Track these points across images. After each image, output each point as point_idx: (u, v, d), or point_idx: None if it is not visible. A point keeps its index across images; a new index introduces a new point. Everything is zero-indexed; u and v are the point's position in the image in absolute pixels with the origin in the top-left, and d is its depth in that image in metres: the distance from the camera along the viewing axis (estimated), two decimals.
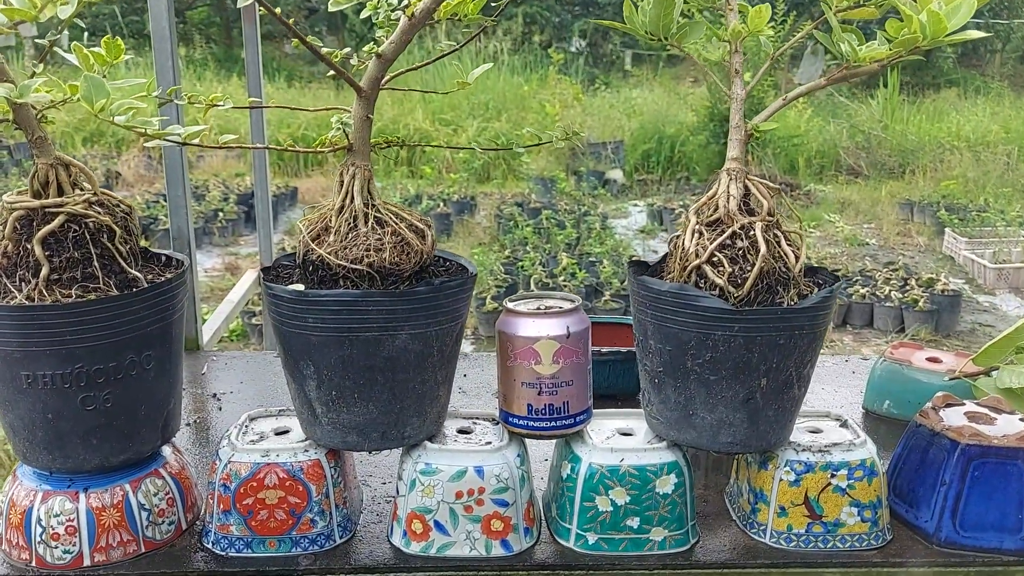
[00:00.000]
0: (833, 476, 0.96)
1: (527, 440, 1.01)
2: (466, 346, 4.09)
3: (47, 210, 0.89)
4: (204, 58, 10.32)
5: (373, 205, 0.94)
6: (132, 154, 7.46)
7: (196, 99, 0.88)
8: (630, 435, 1.02)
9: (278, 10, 0.75)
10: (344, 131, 0.92)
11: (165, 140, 0.82)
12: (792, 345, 0.90)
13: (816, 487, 0.96)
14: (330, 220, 0.94)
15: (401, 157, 7.69)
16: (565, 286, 4.54)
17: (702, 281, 0.91)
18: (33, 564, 0.93)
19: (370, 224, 0.93)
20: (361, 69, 0.94)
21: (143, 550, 0.95)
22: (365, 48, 0.89)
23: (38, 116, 0.90)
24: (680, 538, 0.98)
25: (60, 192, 0.90)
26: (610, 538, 0.97)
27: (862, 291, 4.59)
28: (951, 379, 1.21)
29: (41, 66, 0.86)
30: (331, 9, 0.82)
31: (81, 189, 0.92)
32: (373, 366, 0.91)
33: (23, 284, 0.88)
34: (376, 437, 0.95)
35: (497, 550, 0.96)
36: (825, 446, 0.97)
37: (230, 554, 0.95)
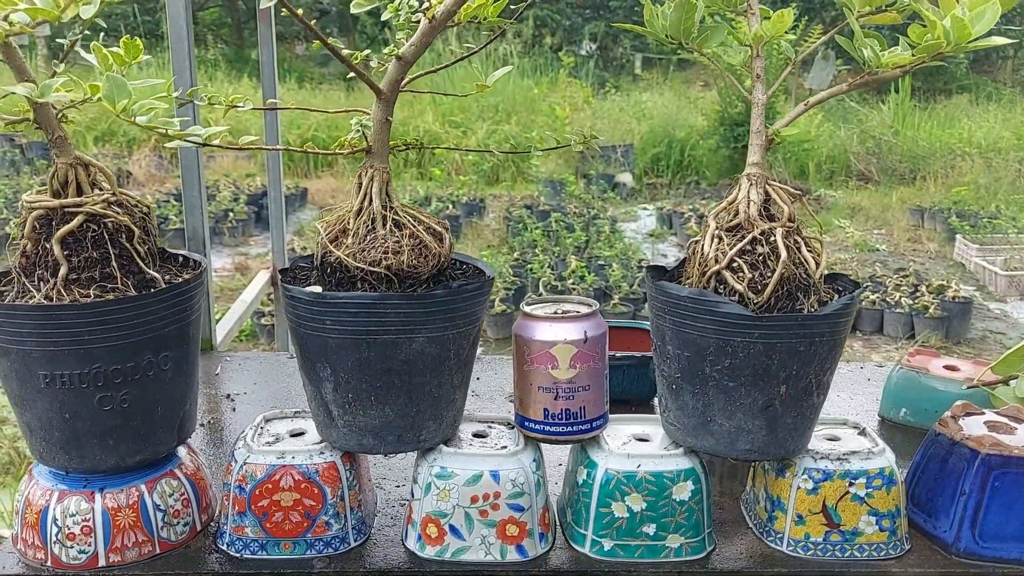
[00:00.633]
0: (852, 485, 0.95)
1: (542, 445, 1.00)
2: None
3: (66, 210, 0.89)
4: (215, 59, 10.36)
5: (391, 207, 0.94)
6: (143, 153, 7.49)
7: (216, 100, 0.88)
8: (646, 441, 1.01)
9: (300, 11, 0.75)
10: (363, 133, 0.92)
11: (186, 141, 0.82)
12: (812, 352, 0.89)
13: (834, 495, 0.95)
14: (348, 222, 0.94)
15: (411, 159, 7.69)
16: (574, 289, 4.53)
17: (721, 287, 0.90)
18: (48, 564, 0.93)
19: (388, 227, 0.93)
20: (380, 71, 0.94)
21: (158, 551, 0.95)
22: (385, 50, 0.89)
23: (58, 116, 0.90)
24: (696, 545, 0.97)
25: (79, 192, 0.90)
26: (626, 544, 0.96)
27: (872, 297, 4.57)
28: (969, 388, 1.21)
29: (62, 66, 0.86)
30: (353, 11, 0.82)
31: (100, 189, 0.92)
32: (390, 369, 0.91)
33: (42, 283, 0.88)
34: (392, 440, 0.95)
35: (512, 555, 0.96)
36: (843, 454, 0.97)
37: (245, 556, 0.95)
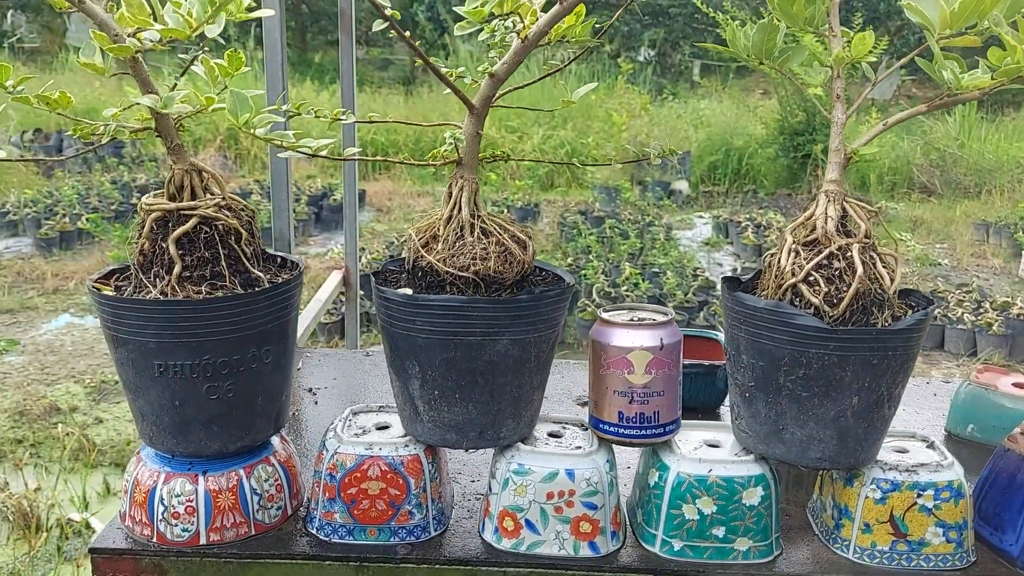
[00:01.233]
0: (920, 496, 0.97)
1: (614, 447, 1.04)
2: None
3: (181, 212, 0.96)
4: None
5: (479, 216, 0.99)
6: (208, 153, 7.70)
7: (321, 113, 0.94)
8: (717, 447, 1.05)
9: (408, 33, 0.81)
10: (456, 146, 0.97)
11: (298, 151, 0.89)
12: (885, 366, 0.92)
13: (902, 506, 0.98)
14: (439, 229, 0.99)
15: None
16: (627, 296, 4.55)
17: (797, 299, 0.94)
18: (154, 540, 1.00)
19: (476, 234, 0.98)
20: (472, 87, 0.99)
21: (253, 532, 1.02)
22: (479, 68, 0.94)
23: (176, 125, 0.97)
24: (764, 549, 1.00)
25: (193, 196, 0.97)
26: (695, 546, 1.00)
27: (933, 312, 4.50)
28: None
29: (184, 79, 0.93)
30: (456, 34, 0.88)
31: (212, 193, 0.99)
32: (475, 369, 0.96)
33: (157, 280, 0.96)
34: (473, 436, 1.00)
35: (585, 551, 1.00)
36: (912, 466, 0.99)
37: (333, 540, 1.01)
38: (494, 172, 7.55)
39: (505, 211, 6.38)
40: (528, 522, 1.00)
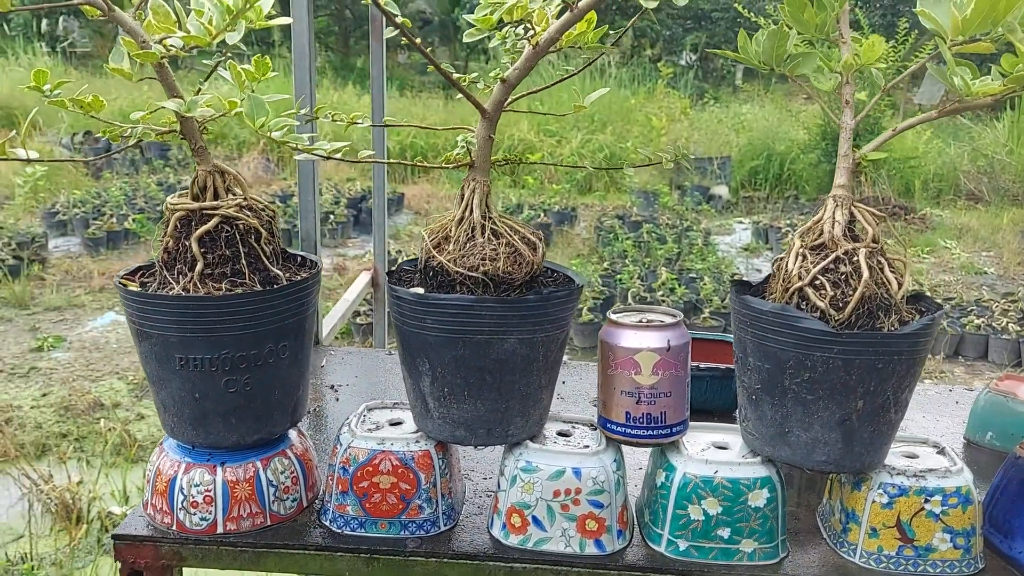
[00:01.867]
0: (927, 501, 0.97)
1: (623, 448, 1.06)
2: None
3: (204, 212, 1.00)
4: (322, 66, 10.77)
5: (490, 218, 1.01)
6: (252, 156, 7.85)
7: (338, 117, 0.97)
8: (725, 448, 1.05)
9: (405, 19, 0.83)
10: (468, 149, 1.00)
11: (313, 155, 0.92)
12: (891, 370, 0.92)
13: (909, 511, 0.97)
14: (450, 230, 1.02)
15: (504, 167, 7.81)
16: (664, 301, 4.54)
17: (804, 303, 0.94)
18: (174, 528, 1.04)
19: (486, 235, 1.00)
20: (485, 92, 1.01)
21: (269, 523, 1.05)
22: (491, 73, 0.96)
23: (200, 128, 1.01)
24: (770, 551, 1.01)
25: (216, 196, 1.01)
26: (700, 546, 1.01)
27: (976, 321, 4.42)
28: None
29: (206, 83, 0.97)
30: (466, 41, 0.90)
31: (234, 194, 1.02)
32: (483, 367, 0.98)
33: (180, 277, 0.99)
34: (482, 433, 1.02)
35: (591, 549, 1.02)
36: (920, 471, 0.99)
37: (345, 532, 1.04)
38: (531, 176, 7.58)
39: (542, 215, 6.40)
40: (535, 519, 1.02)
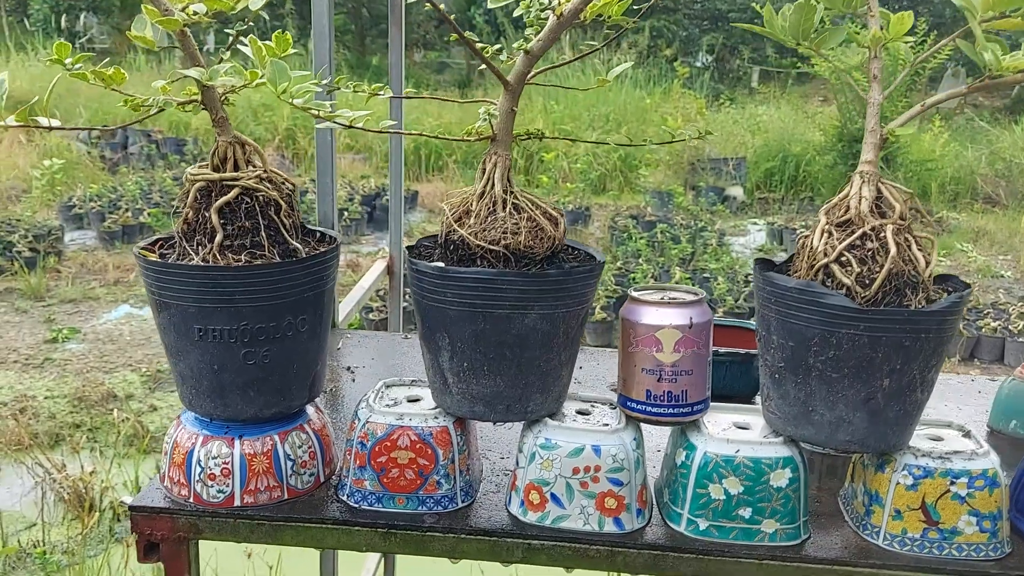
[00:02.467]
0: (953, 484, 0.95)
1: (643, 427, 1.04)
2: None
3: (224, 183, 0.99)
4: (338, 64, 10.81)
5: (511, 192, 1.00)
6: (267, 152, 7.85)
7: (360, 88, 0.96)
8: (746, 429, 1.04)
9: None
10: (490, 121, 0.99)
11: (335, 123, 0.91)
12: (918, 348, 0.91)
13: (934, 493, 0.96)
14: (471, 204, 1.01)
15: (519, 166, 7.82)
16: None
17: (829, 280, 0.93)
18: (191, 500, 1.03)
19: (508, 209, 1.00)
20: (508, 65, 1.01)
21: (286, 497, 1.04)
22: (515, 44, 0.96)
23: (221, 98, 1.01)
24: (791, 532, 0.99)
25: (236, 168, 1.01)
26: (721, 526, 0.99)
27: (993, 325, 4.38)
28: None
29: (228, 53, 0.97)
30: (490, 6, 0.89)
31: (254, 166, 1.02)
32: (503, 342, 0.97)
33: (200, 248, 0.99)
34: (501, 409, 1.01)
35: (609, 527, 1.01)
36: (946, 453, 0.97)
37: (363, 507, 1.03)
38: (545, 175, 7.58)
39: None
40: (554, 496, 1.01)
